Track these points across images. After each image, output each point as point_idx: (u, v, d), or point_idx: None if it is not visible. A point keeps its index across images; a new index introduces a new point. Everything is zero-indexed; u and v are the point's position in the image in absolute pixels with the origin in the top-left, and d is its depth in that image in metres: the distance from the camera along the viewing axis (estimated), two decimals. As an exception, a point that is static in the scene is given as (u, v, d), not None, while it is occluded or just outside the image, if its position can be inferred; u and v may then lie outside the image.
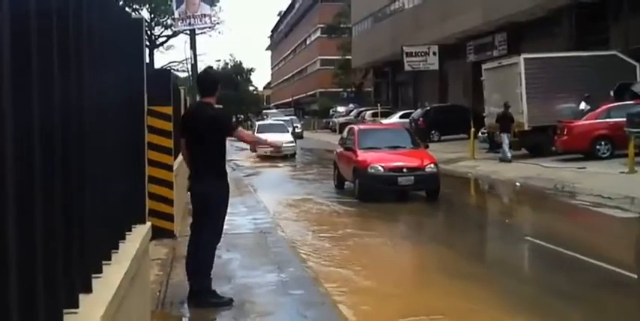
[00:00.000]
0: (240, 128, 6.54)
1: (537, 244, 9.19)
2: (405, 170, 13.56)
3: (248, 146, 25.96)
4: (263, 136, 24.65)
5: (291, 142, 27.60)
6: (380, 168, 13.58)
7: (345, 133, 17.03)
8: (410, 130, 16.31)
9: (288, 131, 29.60)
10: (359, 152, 14.39)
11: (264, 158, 26.06)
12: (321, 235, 10.27)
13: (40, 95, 1.94)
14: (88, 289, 2.61)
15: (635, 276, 7.12)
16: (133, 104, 4.06)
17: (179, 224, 9.40)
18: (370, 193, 13.60)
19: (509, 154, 20.55)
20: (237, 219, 11.00)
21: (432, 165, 13.78)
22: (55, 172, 2.16)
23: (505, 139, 20.69)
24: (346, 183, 15.59)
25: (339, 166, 15.83)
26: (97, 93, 2.92)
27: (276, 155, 24.92)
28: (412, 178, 13.45)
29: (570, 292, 6.82)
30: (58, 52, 2.16)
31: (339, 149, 16.33)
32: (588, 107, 20.11)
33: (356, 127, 16.50)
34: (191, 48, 33.74)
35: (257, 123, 32.05)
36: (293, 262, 7.95)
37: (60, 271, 2.17)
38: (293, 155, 27.24)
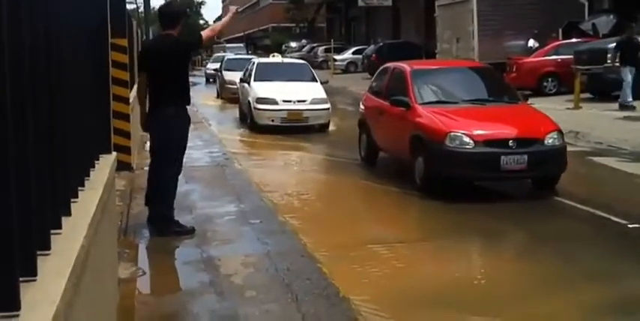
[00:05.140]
0: (202, 32, 6.44)
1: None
2: (511, 144, 7.78)
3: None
4: (262, 86, 14.54)
5: (324, 101, 14.34)
6: (467, 139, 7.78)
7: (378, 77, 10.79)
8: (498, 72, 10.51)
9: (316, 79, 15.46)
10: (421, 110, 8.47)
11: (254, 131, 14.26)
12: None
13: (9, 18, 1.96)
14: (68, 212, 2.73)
15: (577, 204, 7.55)
16: (98, 34, 4.07)
17: (135, 157, 9.47)
18: (447, 180, 7.94)
19: (629, 97, 14.89)
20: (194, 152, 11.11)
21: (556, 134, 8.13)
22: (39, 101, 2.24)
23: (628, 75, 14.96)
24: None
25: (374, 129, 9.92)
26: (64, 21, 2.94)
27: (294, 125, 13.79)
28: (525, 157, 7.73)
29: (516, 218, 7.17)
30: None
31: (370, 100, 10.43)
32: (537, 45, 20.47)
33: (407, 67, 9.57)
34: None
35: (255, 61, 16.59)
36: (251, 193, 8.16)
37: (48, 193, 2.28)
38: (325, 127, 14.24)
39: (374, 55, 32.25)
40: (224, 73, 21.89)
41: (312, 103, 14.07)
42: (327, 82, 16.45)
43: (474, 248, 6.41)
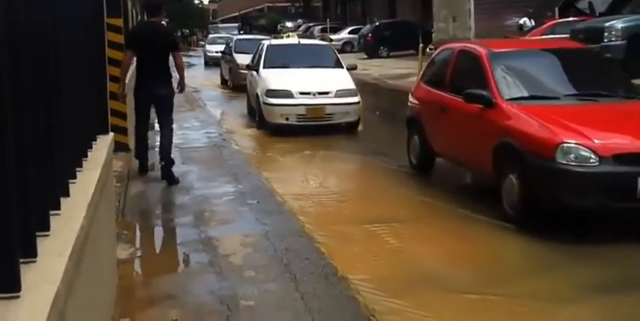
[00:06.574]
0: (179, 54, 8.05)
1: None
2: None
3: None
4: (273, 75, 11.69)
5: (353, 93, 11.35)
6: (588, 153, 5.49)
7: (435, 62, 8.36)
8: (605, 57, 8.58)
9: (342, 65, 12.34)
10: (510, 108, 6.27)
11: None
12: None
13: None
14: (67, 193, 2.72)
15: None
16: (94, 14, 4.03)
17: (132, 137, 9.42)
18: (559, 212, 5.77)
19: None
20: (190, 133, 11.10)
21: None
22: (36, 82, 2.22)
23: None
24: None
25: (430, 131, 7.76)
26: (60, 1, 2.91)
27: (314, 123, 11.02)
28: None
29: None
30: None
31: (423, 92, 8.12)
32: (532, 24, 20.38)
33: (482, 49, 7.17)
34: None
35: (265, 43, 13.31)
36: (250, 174, 8.16)
37: (47, 174, 2.26)
38: (354, 126, 11.35)
39: (370, 35, 32.18)
40: (235, 55, 18.30)
41: (337, 96, 11.04)
42: (355, 67, 12.98)
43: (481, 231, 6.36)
